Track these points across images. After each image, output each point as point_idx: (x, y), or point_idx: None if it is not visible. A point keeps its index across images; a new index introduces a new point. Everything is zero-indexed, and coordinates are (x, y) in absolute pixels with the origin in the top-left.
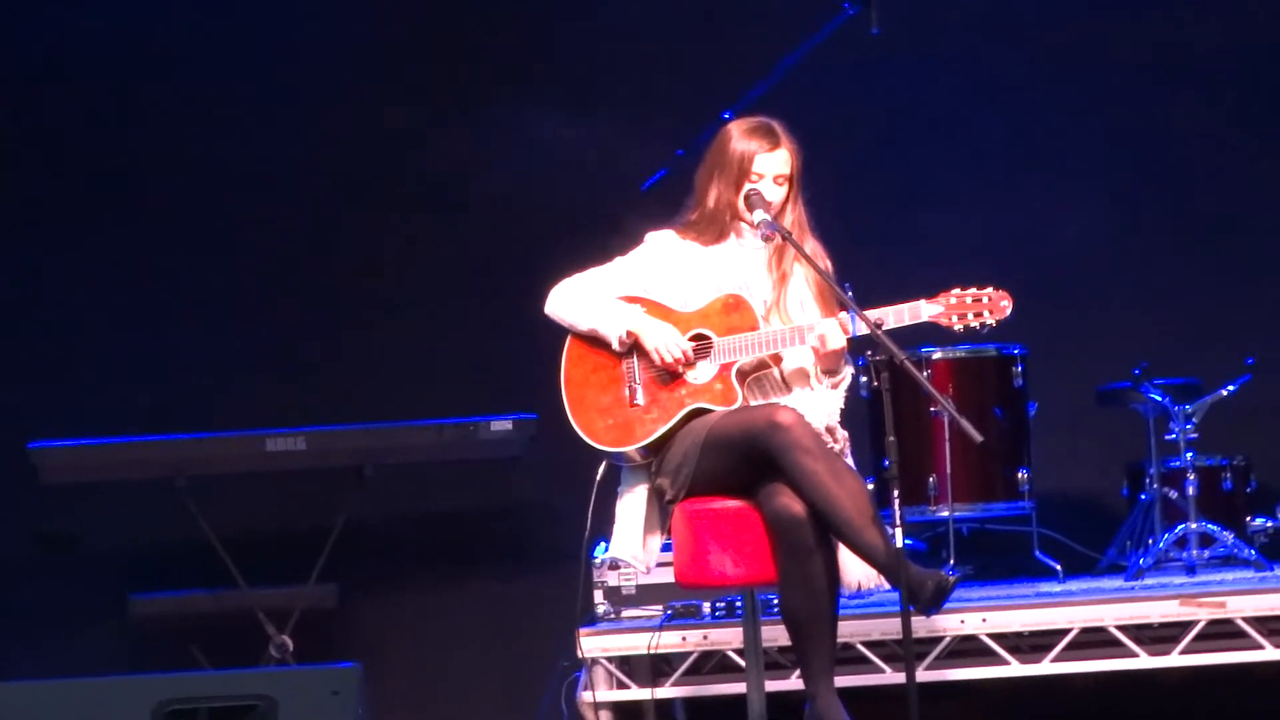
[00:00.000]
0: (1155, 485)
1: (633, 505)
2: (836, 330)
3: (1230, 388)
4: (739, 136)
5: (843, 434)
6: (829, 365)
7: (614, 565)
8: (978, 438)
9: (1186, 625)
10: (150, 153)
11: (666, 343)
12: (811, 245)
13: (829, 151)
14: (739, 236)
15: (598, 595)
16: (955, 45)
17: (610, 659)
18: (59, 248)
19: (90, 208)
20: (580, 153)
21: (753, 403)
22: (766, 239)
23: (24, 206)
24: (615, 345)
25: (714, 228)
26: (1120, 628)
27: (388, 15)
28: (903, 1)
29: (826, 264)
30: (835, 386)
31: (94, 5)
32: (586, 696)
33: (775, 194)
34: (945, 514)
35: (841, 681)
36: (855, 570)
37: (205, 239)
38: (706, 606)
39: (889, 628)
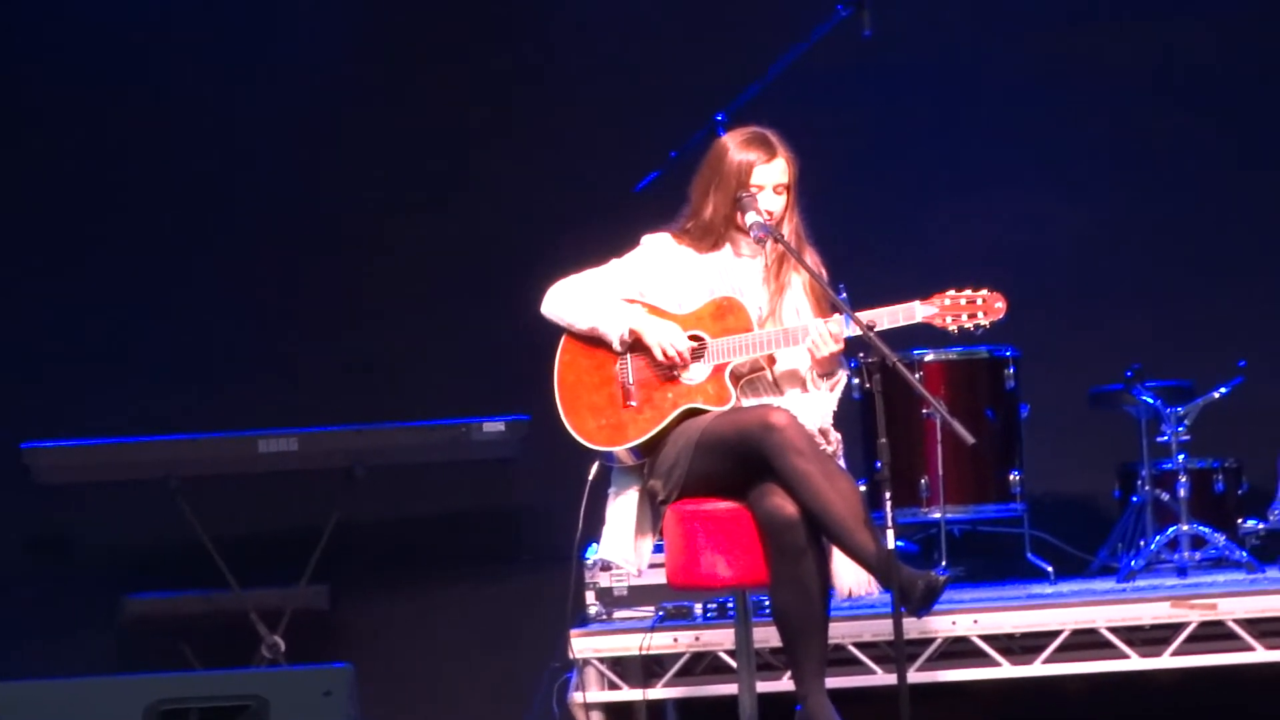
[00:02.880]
0: (1147, 487)
1: (624, 508)
2: (831, 330)
3: (1222, 390)
4: (736, 149)
5: (836, 436)
6: (825, 369)
7: (605, 566)
8: (970, 440)
9: (1178, 627)
10: (144, 154)
11: (670, 340)
12: (809, 256)
13: (820, 153)
14: (735, 247)
15: (589, 596)
16: (948, 48)
17: (602, 660)
18: (51, 248)
19: (82, 209)
20: (573, 154)
21: (746, 404)
22: (759, 241)
23: (15, 207)
24: (617, 344)
25: (710, 238)
26: (1112, 629)
27: (384, 15)
28: (896, 4)
29: (822, 273)
30: (833, 389)
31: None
32: (578, 697)
33: (775, 204)
34: (937, 515)
35: (833, 683)
36: (848, 577)
37: (197, 240)
38: (698, 608)
39: (880, 629)
